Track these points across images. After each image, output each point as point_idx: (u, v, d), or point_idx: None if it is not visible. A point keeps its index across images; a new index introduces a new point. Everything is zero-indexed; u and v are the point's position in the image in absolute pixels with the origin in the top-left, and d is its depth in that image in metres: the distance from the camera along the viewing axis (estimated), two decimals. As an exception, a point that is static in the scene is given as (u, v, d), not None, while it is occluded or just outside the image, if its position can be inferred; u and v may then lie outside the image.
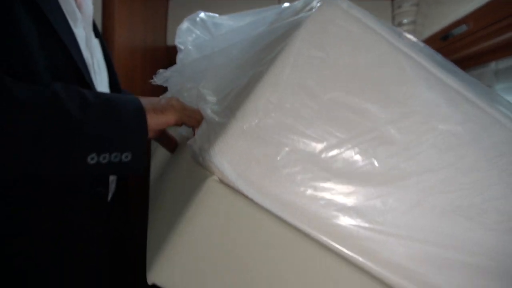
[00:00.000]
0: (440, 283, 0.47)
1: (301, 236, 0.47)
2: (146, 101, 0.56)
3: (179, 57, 0.74)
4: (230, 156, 0.47)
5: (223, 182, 0.48)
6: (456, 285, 0.47)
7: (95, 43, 0.74)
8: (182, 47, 0.76)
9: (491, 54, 1.49)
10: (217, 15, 0.79)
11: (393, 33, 0.50)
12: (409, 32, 0.71)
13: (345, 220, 0.47)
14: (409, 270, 0.47)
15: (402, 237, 0.46)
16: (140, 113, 0.54)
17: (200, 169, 0.50)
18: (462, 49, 1.50)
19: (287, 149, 0.48)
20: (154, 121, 0.55)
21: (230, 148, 0.48)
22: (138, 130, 0.53)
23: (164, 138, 0.70)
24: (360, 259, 0.47)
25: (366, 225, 0.47)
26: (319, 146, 0.47)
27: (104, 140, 0.50)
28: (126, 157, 0.52)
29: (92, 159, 0.50)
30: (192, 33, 0.75)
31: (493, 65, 1.62)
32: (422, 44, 0.51)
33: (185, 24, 0.75)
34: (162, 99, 0.60)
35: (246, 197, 0.47)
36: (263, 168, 0.48)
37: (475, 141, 0.47)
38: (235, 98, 0.52)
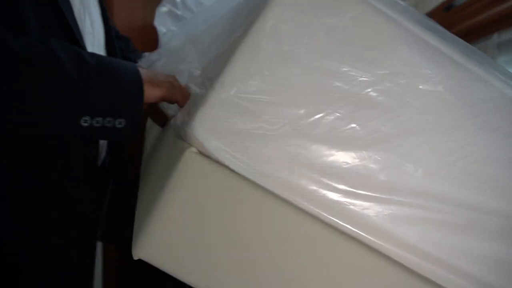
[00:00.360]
0: (427, 246, 0.47)
1: (284, 203, 0.47)
2: (145, 72, 0.56)
3: (164, 40, 0.73)
4: (210, 126, 0.47)
5: (202, 154, 0.47)
6: (441, 245, 0.47)
7: (92, 2, 0.71)
8: (163, 30, 0.75)
9: (494, 24, 1.46)
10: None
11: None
12: (412, 6, 0.69)
13: (327, 186, 0.46)
14: (393, 234, 0.46)
15: (386, 201, 0.46)
16: (137, 82, 0.53)
17: (182, 143, 0.50)
18: (465, 19, 1.47)
19: (267, 117, 0.47)
20: (150, 93, 0.55)
21: (210, 119, 0.47)
22: (134, 98, 0.53)
23: (156, 112, 0.69)
24: (343, 223, 0.46)
25: (349, 189, 0.46)
26: (299, 112, 0.46)
27: (98, 104, 0.50)
28: (119, 123, 0.51)
29: (85, 121, 0.49)
30: (174, 14, 0.74)
31: (495, 37, 1.59)
32: (404, 4, 0.49)
33: (164, 7, 0.74)
34: (161, 73, 0.60)
35: (227, 167, 0.47)
36: (243, 136, 0.47)
37: (458, 100, 0.46)
38: (214, 68, 0.51)
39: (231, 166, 0.47)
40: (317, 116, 0.46)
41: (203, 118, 0.47)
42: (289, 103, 0.47)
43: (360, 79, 0.46)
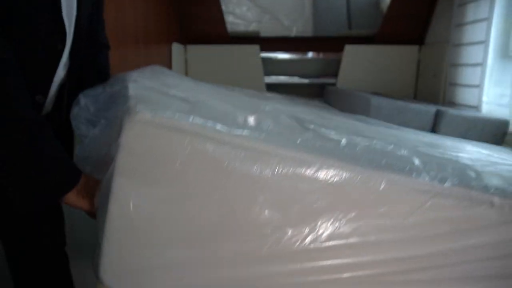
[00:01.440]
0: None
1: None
2: (85, 181, 0.64)
3: (85, 143, 0.78)
4: (113, 272, 0.56)
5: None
6: None
7: None
8: (82, 133, 0.80)
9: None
10: (98, 91, 0.80)
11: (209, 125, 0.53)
12: None
13: None
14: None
15: None
16: (62, 188, 0.62)
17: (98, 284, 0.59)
18: None
19: (156, 261, 0.55)
20: (72, 201, 0.63)
21: (111, 266, 0.56)
22: (45, 194, 0.62)
23: None
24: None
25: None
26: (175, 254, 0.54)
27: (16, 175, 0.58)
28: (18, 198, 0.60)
29: None
30: (82, 118, 0.78)
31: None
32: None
33: (74, 110, 0.78)
34: (94, 183, 0.66)
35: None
36: (146, 273, 0.56)
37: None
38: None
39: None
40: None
41: (102, 265, 0.56)
42: (162, 245, 0.54)
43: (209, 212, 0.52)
